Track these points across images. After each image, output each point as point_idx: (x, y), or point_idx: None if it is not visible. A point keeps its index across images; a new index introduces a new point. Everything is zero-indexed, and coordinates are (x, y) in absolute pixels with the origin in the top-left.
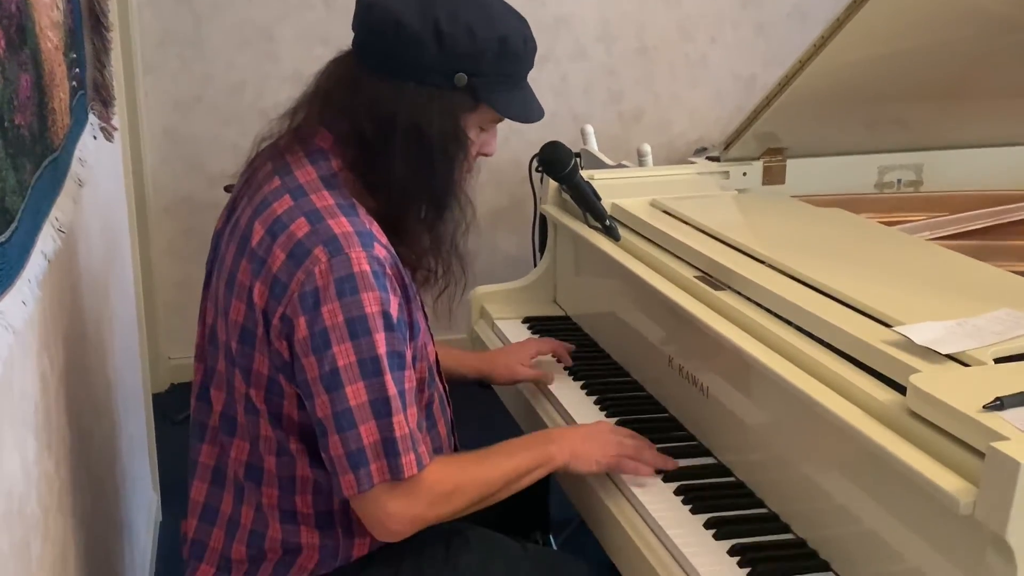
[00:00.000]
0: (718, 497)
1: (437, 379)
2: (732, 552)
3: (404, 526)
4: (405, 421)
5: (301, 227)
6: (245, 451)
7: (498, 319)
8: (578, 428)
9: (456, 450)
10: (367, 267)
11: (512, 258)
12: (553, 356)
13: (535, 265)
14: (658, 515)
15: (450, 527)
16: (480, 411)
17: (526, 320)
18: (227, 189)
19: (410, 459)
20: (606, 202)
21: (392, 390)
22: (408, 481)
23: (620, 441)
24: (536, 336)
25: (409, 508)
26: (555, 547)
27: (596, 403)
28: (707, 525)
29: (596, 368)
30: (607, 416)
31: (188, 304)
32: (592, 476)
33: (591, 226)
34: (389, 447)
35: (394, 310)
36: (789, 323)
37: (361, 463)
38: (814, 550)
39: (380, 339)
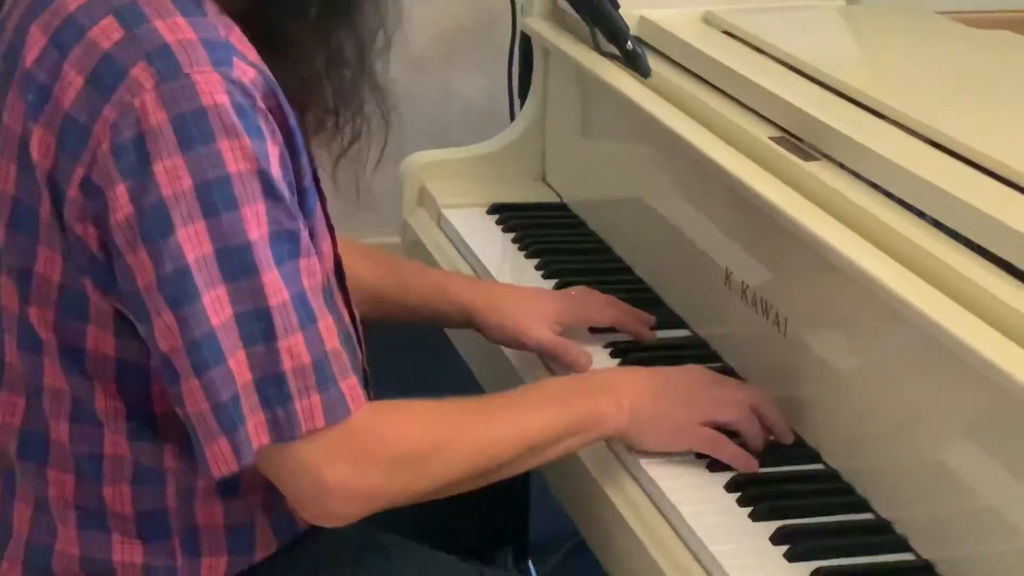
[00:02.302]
0: (795, 495)
1: (339, 301)
2: None
3: (351, 505)
4: (305, 345)
5: (109, 31)
6: (18, 412)
7: (448, 207)
8: (648, 372)
9: None
10: (224, 98)
11: (475, 108)
12: (617, 327)
13: (511, 119)
14: (697, 522)
15: (361, 537)
16: (418, 363)
17: (496, 210)
18: None
19: (311, 404)
20: (629, 14)
21: (276, 296)
22: (344, 432)
23: (727, 398)
24: (560, 280)
25: (358, 476)
26: None
27: (608, 348)
28: (777, 539)
29: (609, 291)
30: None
31: None
32: (593, 457)
33: (603, 53)
34: (271, 389)
35: (275, 166)
36: (923, 215)
37: (237, 419)
38: None
39: (253, 215)
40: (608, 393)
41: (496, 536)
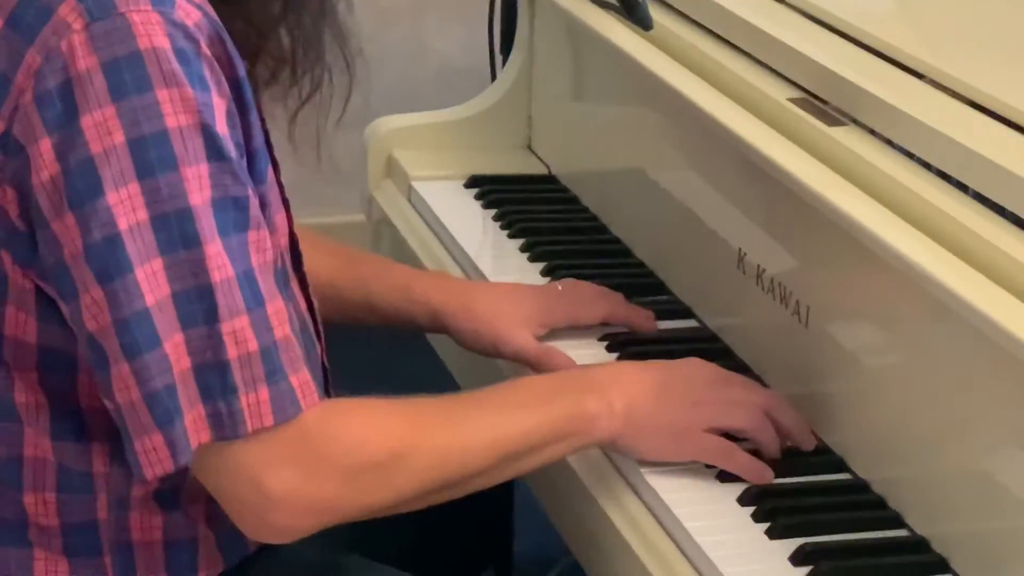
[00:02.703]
0: (818, 509)
1: (295, 285)
2: None
3: (297, 518)
4: (252, 330)
5: None
6: None
7: (420, 180)
8: (647, 368)
9: None
10: (163, 41)
11: (451, 66)
12: (614, 323)
13: (492, 79)
14: (707, 540)
15: (321, 558)
16: (386, 358)
17: (474, 182)
18: None
19: (259, 398)
20: None
21: (220, 271)
22: (303, 433)
23: (737, 399)
24: (547, 269)
25: (306, 485)
26: None
27: (603, 341)
28: (798, 559)
29: (605, 276)
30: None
31: None
32: (586, 465)
33: (598, 2)
34: (212, 378)
35: (220, 122)
36: (965, 188)
37: (174, 411)
38: None
39: (195, 176)
40: (598, 393)
41: (475, 556)
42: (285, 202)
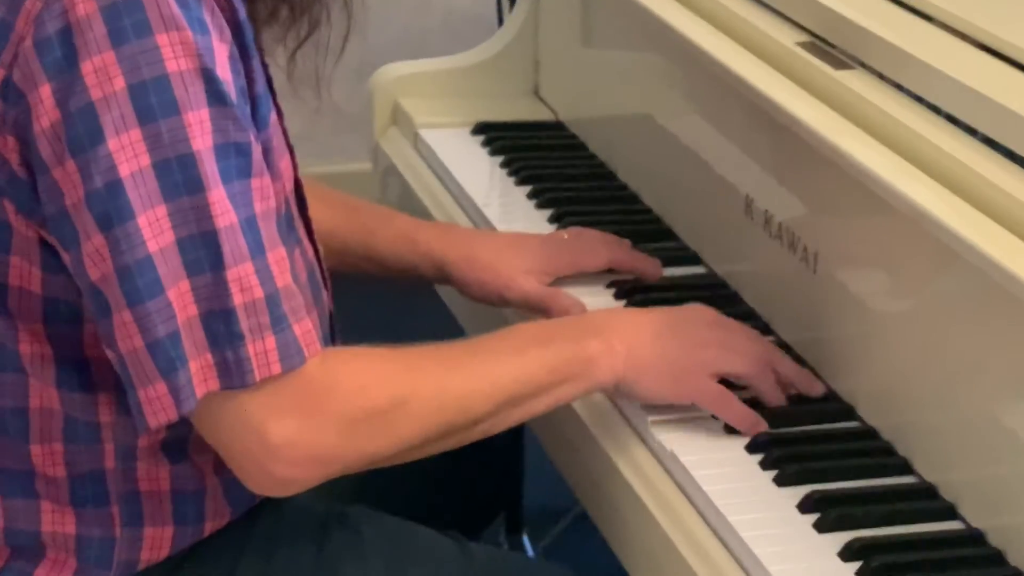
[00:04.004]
0: (826, 456)
1: (303, 233)
2: (848, 555)
3: (299, 468)
4: (256, 276)
5: None
6: None
7: (426, 127)
8: (647, 312)
9: None
10: None
11: (457, 12)
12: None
13: (499, 24)
14: (714, 488)
15: (327, 508)
16: (393, 306)
17: (481, 129)
18: None
19: (266, 346)
20: None
21: (223, 217)
22: (304, 381)
23: (738, 346)
24: (552, 218)
25: (307, 434)
26: (531, 553)
27: (610, 288)
28: (806, 506)
29: (613, 222)
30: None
31: None
32: (592, 414)
33: None
34: (218, 326)
35: (222, 66)
36: (975, 132)
37: (177, 360)
38: (999, 551)
39: (197, 121)
40: (599, 335)
41: (485, 506)
42: (289, 148)
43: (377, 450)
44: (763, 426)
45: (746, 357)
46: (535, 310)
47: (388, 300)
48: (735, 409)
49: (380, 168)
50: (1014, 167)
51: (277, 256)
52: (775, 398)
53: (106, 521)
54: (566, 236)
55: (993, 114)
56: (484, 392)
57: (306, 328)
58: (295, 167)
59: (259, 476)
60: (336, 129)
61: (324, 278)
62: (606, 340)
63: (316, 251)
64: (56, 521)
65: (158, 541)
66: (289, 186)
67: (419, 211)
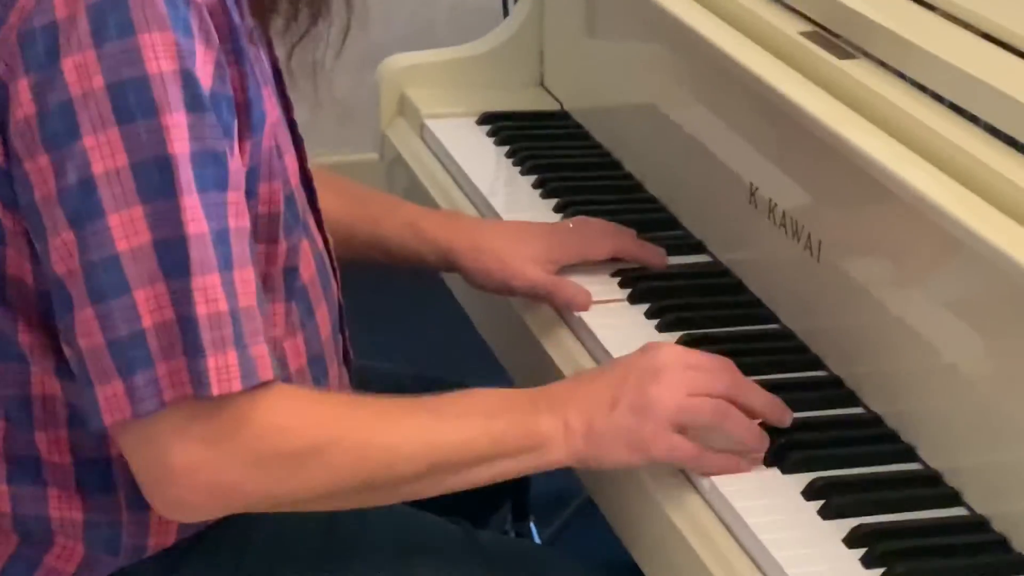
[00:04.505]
0: (829, 444)
1: (312, 223)
2: (853, 542)
3: (195, 495)
4: (222, 289)
5: None
6: None
7: (432, 117)
8: (598, 374)
9: (348, 370)
10: None
11: (463, 3)
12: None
13: (505, 15)
14: (719, 477)
15: None
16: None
17: (487, 119)
18: None
19: (228, 361)
20: None
21: (194, 225)
22: (221, 408)
23: (693, 392)
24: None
25: (210, 463)
26: (538, 541)
27: (615, 277)
28: (810, 494)
29: (618, 211)
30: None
31: None
32: None
33: None
34: (187, 333)
35: (204, 71)
36: (977, 120)
37: (137, 361)
38: (1004, 537)
39: (175, 124)
40: (554, 412)
41: (492, 494)
42: (298, 140)
43: (285, 493)
44: (745, 467)
45: (706, 405)
46: (540, 299)
47: (396, 291)
48: (711, 462)
49: (387, 159)
50: (1017, 155)
51: (245, 276)
52: (745, 436)
53: (113, 506)
54: (571, 225)
55: (996, 102)
56: (413, 452)
57: (262, 352)
58: (304, 159)
59: (156, 497)
60: (343, 119)
61: (333, 268)
62: (561, 417)
63: (326, 241)
64: (63, 507)
65: (165, 526)
66: (295, 180)
67: (425, 201)
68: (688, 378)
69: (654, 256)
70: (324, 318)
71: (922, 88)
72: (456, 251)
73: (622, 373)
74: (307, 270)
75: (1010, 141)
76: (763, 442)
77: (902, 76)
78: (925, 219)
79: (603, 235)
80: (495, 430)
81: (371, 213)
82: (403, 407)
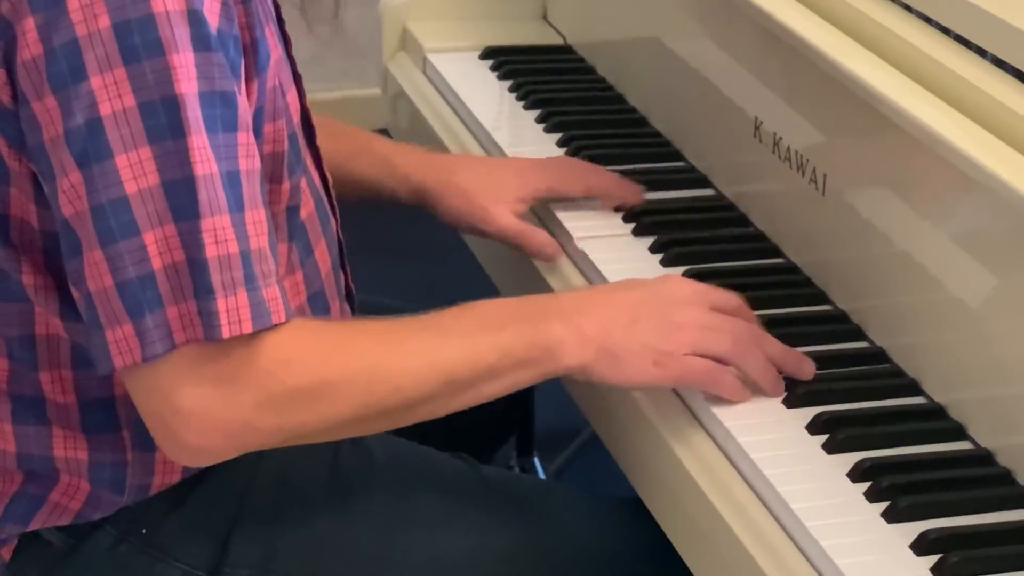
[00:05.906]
0: (834, 378)
1: (309, 162)
2: (857, 476)
3: (210, 439)
4: (233, 231)
5: None
6: None
7: (435, 52)
8: (620, 290)
9: (351, 306)
10: None
11: None
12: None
13: None
14: (723, 411)
15: None
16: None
17: (490, 54)
18: None
19: (238, 303)
20: None
21: (203, 165)
22: (230, 349)
23: (719, 324)
24: (549, 149)
25: (220, 403)
26: (542, 475)
27: (619, 211)
28: (815, 428)
29: (622, 144)
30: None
31: None
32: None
33: None
34: (197, 276)
35: (212, 10)
36: (984, 53)
37: (146, 304)
38: (1008, 471)
39: (182, 64)
40: (564, 319)
41: (496, 429)
42: (297, 77)
43: (296, 427)
44: (748, 396)
45: (729, 336)
46: (508, 243)
47: (393, 224)
48: (726, 382)
49: (389, 93)
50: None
51: (256, 217)
52: (761, 376)
53: (117, 446)
54: (549, 163)
55: (1003, 35)
56: (421, 374)
57: (275, 294)
58: (303, 96)
59: (168, 442)
60: (346, 53)
61: (332, 206)
62: (573, 323)
63: (324, 179)
64: (68, 446)
65: (170, 465)
66: (296, 117)
67: (428, 136)
68: (710, 313)
69: (629, 193)
70: (323, 255)
71: (928, 20)
72: (427, 188)
73: (641, 296)
74: (306, 207)
75: (1017, 74)
76: (778, 387)
77: (908, 8)
78: (930, 152)
79: (577, 173)
80: (502, 342)
81: (346, 149)
82: (409, 329)
